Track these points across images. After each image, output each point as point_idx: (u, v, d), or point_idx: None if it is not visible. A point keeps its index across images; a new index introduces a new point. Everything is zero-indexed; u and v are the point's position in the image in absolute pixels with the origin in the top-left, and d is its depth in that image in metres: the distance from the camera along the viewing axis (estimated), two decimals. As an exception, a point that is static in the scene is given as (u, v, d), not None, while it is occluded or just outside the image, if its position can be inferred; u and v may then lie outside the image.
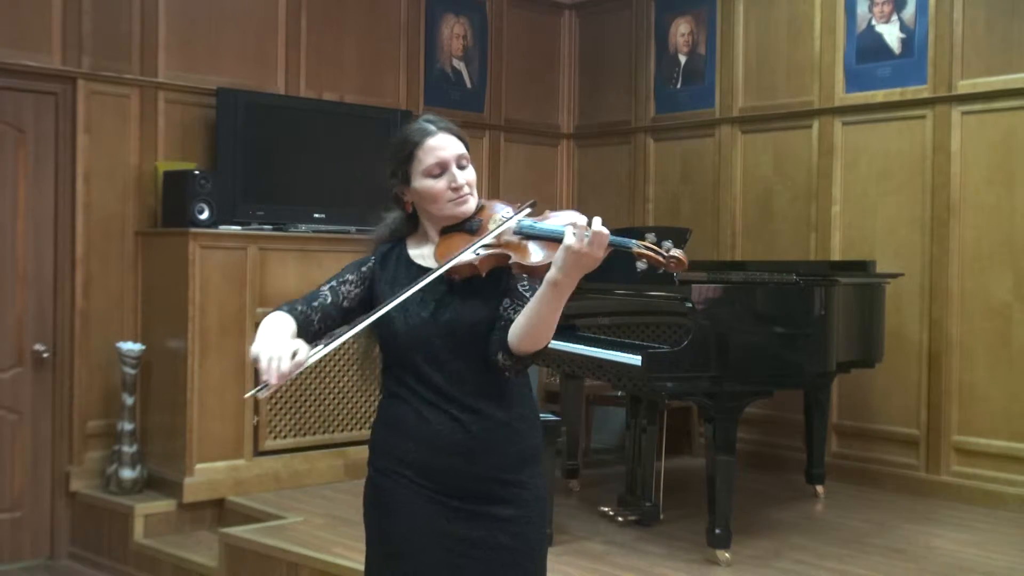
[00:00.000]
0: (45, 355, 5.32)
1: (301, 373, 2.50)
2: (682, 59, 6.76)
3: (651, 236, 2.36)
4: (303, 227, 5.68)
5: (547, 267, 2.14)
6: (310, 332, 2.30)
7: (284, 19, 6.01)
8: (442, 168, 2.33)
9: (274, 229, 5.57)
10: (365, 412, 5.79)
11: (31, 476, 5.30)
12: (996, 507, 5.20)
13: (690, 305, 4.23)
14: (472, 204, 2.36)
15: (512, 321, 2.23)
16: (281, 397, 5.49)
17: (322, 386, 5.64)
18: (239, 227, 5.44)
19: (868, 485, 5.66)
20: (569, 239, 2.07)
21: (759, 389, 4.42)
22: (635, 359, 4.19)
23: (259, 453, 5.41)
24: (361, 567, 2.45)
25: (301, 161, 5.82)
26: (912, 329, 5.60)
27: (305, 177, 5.82)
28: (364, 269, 2.42)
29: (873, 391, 5.73)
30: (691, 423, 6.49)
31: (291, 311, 2.33)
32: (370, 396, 5.79)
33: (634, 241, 2.17)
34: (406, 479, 2.31)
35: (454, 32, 6.82)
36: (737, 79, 6.43)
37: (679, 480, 5.54)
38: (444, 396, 2.29)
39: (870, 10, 5.81)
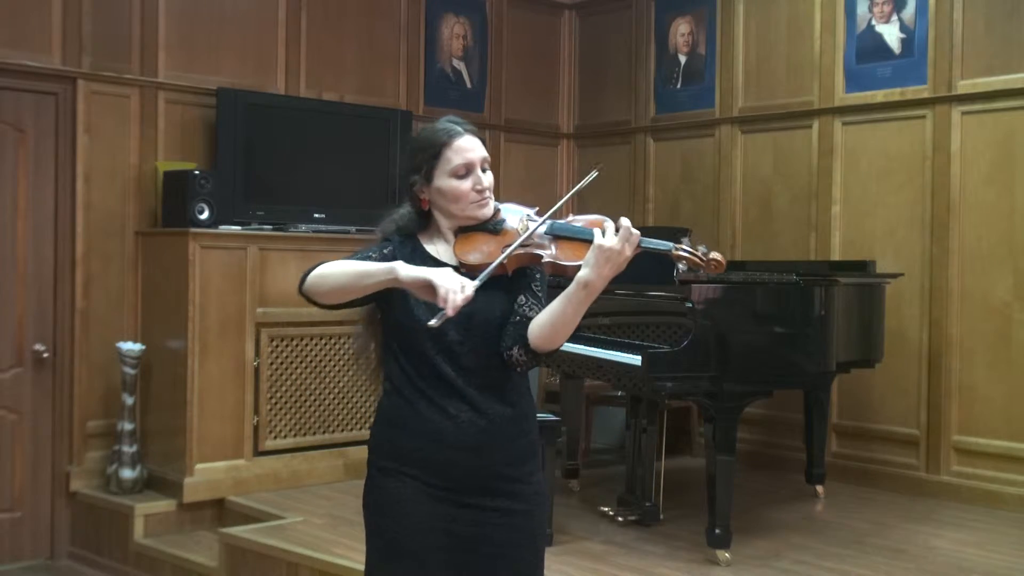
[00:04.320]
0: (45, 355, 5.32)
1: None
2: (682, 59, 6.76)
3: (686, 240, 2.45)
4: (303, 227, 5.68)
5: (578, 267, 2.20)
6: None
7: (284, 19, 6.01)
8: (468, 169, 2.34)
9: (274, 229, 5.57)
10: (365, 412, 5.79)
11: (31, 476, 5.30)
12: (996, 507, 5.20)
13: (690, 305, 4.23)
14: (492, 207, 2.38)
15: (527, 317, 2.28)
16: (281, 397, 5.49)
17: (322, 386, 5.64)
18: (239, 227, 5.44)
19: (868, 485, 5.65)
20: (599, 238, 2.15)
21: (759, 389, 4.42)
22: (635, 359, 4.19)
23: (259, 453, 5.41)
24: (361, 567, 2.45)
25: (301, 161, 5.82)
26: (912, 329, 5.60)
27: (305, 177, 5.82)
28: (386, 252, 2.37)
29: (873, 391, 5.73)
30: (691, 423, 6.49)
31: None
32: (370, 396, 5.79)
33: (671, 244, 2.25)
34: (410, 478, 2.30)
35: (454, 32, 6.82)
36: (737, 79, 6.43)
37: (679, 480, 5.54)
38: (452, 389, 2.29)
39: (870, 10, 5.80)
